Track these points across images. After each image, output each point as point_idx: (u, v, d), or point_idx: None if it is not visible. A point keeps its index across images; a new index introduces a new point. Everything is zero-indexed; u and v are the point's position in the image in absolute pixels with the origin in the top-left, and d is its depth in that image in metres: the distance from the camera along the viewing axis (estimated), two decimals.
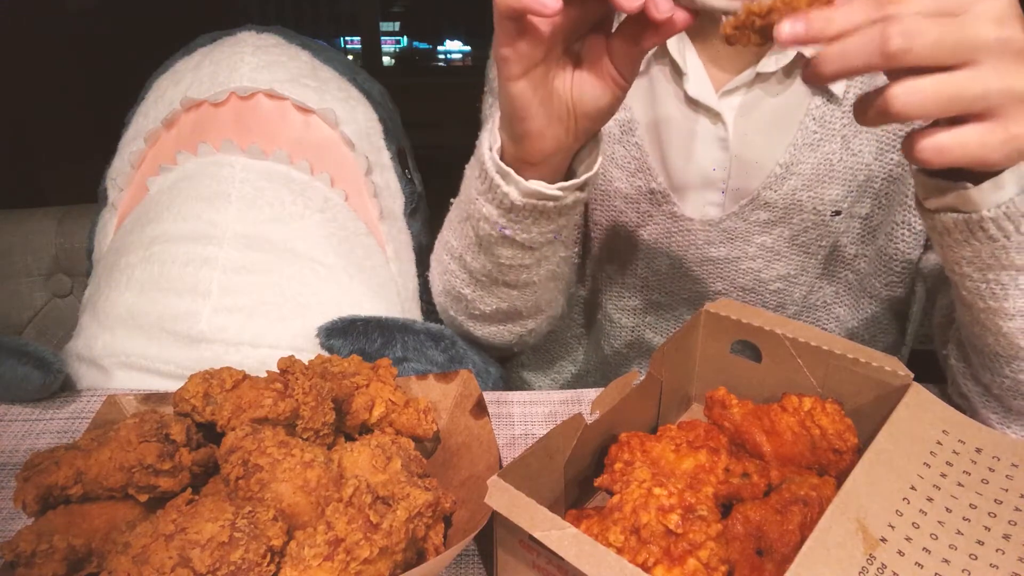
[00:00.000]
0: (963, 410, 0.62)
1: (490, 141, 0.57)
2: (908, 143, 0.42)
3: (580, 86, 0.52)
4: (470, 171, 0.62)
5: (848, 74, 0.40)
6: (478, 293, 0.69)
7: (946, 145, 0.41)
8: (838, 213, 0.72)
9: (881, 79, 0.45)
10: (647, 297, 0.82)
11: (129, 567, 0.39)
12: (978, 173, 0.46)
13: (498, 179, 0.57)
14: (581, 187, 0.58)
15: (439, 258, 0.73)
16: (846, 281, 0.78)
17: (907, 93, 0.40)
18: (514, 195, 0.57)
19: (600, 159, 0.58)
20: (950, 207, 0.48)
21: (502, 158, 0.57)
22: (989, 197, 0.46)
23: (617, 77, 0.51)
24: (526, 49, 0.49)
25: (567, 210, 0.60)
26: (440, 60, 4.10)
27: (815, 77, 0.41)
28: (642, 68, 0.71)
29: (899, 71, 0.40)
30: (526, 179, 0.56)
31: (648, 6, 0.44)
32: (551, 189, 0.57)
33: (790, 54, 0.65)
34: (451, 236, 0.69)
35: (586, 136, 0.56)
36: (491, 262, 0.65)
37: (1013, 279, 0.50)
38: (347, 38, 3.71)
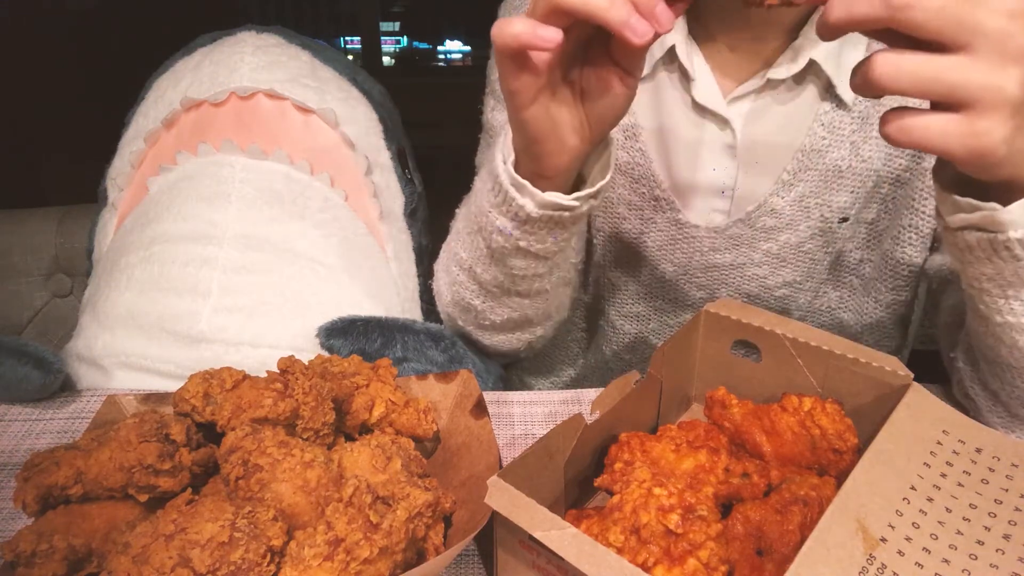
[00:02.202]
0: (967, 411, 0.62)
1: (503, 154, 0.57)
2: (881, 119, 0.42)
3: (589, 94, 0.52)
4: (481, 184, 0.62)
5: (853, 24, 0.39)
6: (489, 304, 0.69)
7: (909, 126, 0.41)
8: (845, 220, 0.72)
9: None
10: (651, 303, 0.82)
11: (129, 567, 0.39)
12: (1004, 193, 0.45)
13: (513, 192, 0.57)
14: (595, 195, 0.58)
15: (447, 269, 0.73)
16: (851, 286, 0.78)
17: (888, 63, 0.39)
18: (530, 207, 0.57)
19: (613, 164, 0.58)
20: (975, 225, 0.47)
21: (516, 171, 0.57)
22: (1018, 219, 0.45)
23: (624, 76, 0.51)
24: (532, 80, 0.49)
25: (581, 218, 0.60)
26: (440, 60, 4.10)
27: (823, 26, 0.41)
28: (648, 72, 0.71)
29: (898, 38, 0.40)
30: (542, 191, 0.56)
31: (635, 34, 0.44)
32: (567, 200, 0.56)
33: (801, 62, 0.65)
34: (460, 248, 0.69)
35: (600, 139, 0.56)
36: (503, 273, 0.65)
37: None
38: (347, 38, 3.72)
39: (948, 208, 0.49)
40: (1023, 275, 0.48)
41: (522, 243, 0.60)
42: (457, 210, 0.77)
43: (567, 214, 0.58)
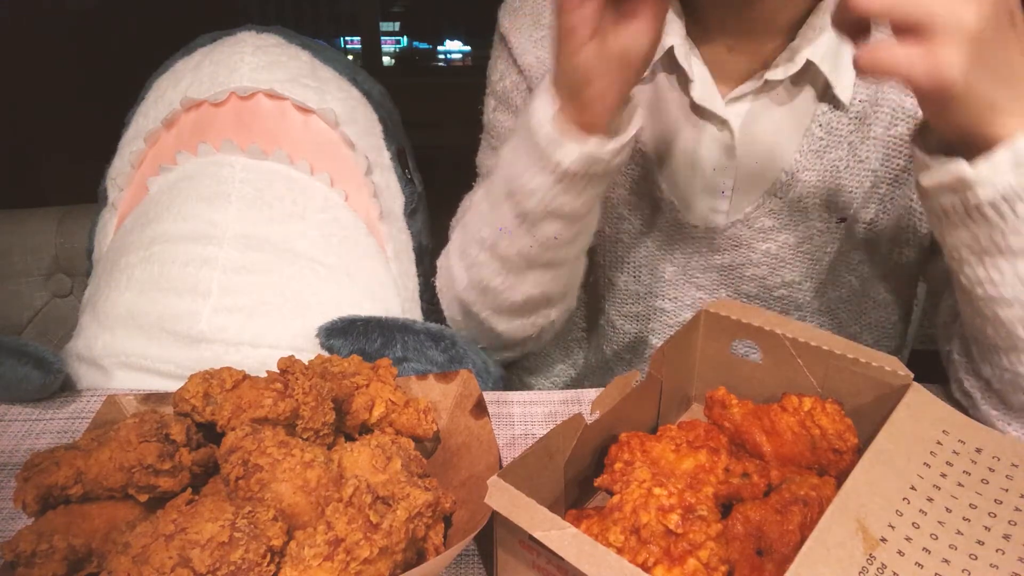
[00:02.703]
0: (965, 409, 0.62)
1: (541, 112, 0.59)
2: (854, 57, 0.46)
3: (626, 29, 0.54)
4: (512, 151, 0.63)
5: None
6: (510, 281, 0.69)
7: (879, 56, 0.45)
8: (843, 220, 0.72)
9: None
10: (651, 303, 0.82)
11: (129, 567, 0.39)
12: (971, 151, 0.48)
13: (554, 146, 0.58)
14: (628, 144, 0.60)
15: (463, 253, 0.72)
16: (850, 286, 0.78)
17: None
18: (571, 158, 0.58)
19: (639, 116, 0.60)
20: (948, 187, 0.50)
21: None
22: (984, 176, 0.48)
23: (655, 8, 0.54)
24: (589, 13, 0.52)
25: (612, 172, 0.62)
26: (440, 60, 4.10)
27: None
28: (647, 74, 0.71)
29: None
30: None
31: None
32: (608, 146, 0.58)
33: (798, 63, 0.65)
34: (480, 226, 0.69)
35: (637, 78, 0.58)
36: (532, 241, 0.65)
37: (1011, 265, 0.51)
38: (347, 38, 3.72)
39: (922, 172, 0.52)
40: (997, 240, 0.50)
41: (557, 202, 0.61)
42: (462, 202, 0.77)
43: (603, 165, 0.59)
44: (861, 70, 0.46)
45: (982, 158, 0.47)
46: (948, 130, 0.49)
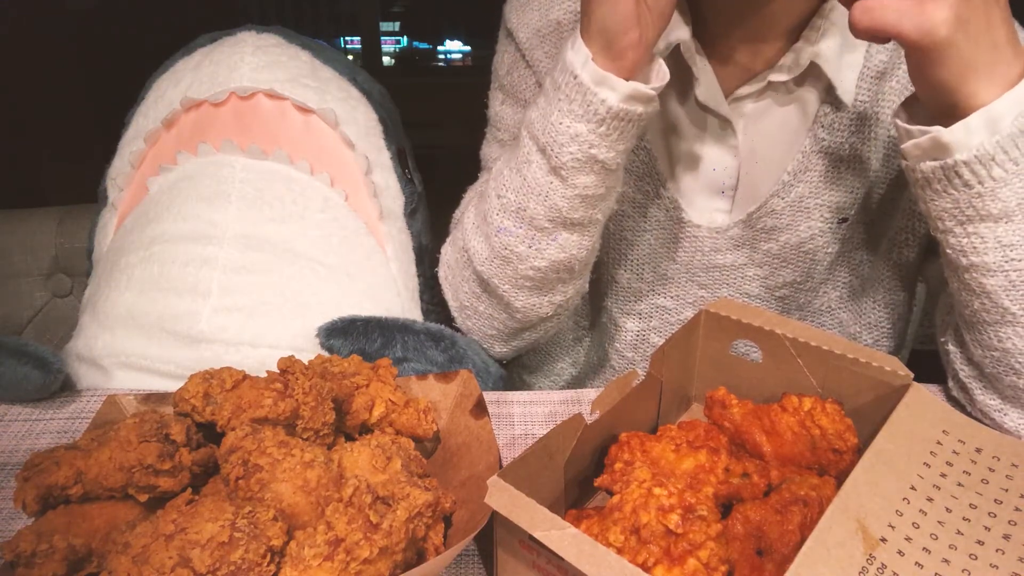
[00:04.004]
0: (963, 406, 0.62)
1: (580, 57, 0.59)
2: (850, 12, 0.50)
3: None
4: (545, 106, 0.63)
5: None
6: (536, 245, 0.67)
7: (871, 7, 0.49)
8: (845, 220, 0.72)
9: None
10: (652, 301, 0.82)
11: (129, 567, 0.39)
12: (950, 121, 0.52)
13: (596, 87, 0.59)
14: (658, 94, 0.61)
15: (484, 222, 0.71)
16: (850, 286, 0.78)
17: None
18: (613, 99, 0.58)
19: (666, 71, 0.61)
20: (927, 152, 0.54)
21: None
22: (961, 140, 0.51)
23: None
24: None
25: (644, 123, 0.62)
26: (440, 60, 4.10)
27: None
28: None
29: None
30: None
31: None
32: (647, 88, 0.59)
33: (802, 64, 0.65)
34: (505, 190, 0.68)
35: (663, 29, 0.60)
36: (563, 198, 0.64)
37: (992, 231, 0.53)
38: (347, 38, 3.71)
39: (905, 140, 0.55)
40: (977, 205, 0.53)
41: (593, 150, 0.61)
42: (466, 194, 0.77)
43: (640, 111, 0.60)
44: (854, 23, 0.50)
45: (958, 123, 0.51)
46: (929, 93, 0.53)
